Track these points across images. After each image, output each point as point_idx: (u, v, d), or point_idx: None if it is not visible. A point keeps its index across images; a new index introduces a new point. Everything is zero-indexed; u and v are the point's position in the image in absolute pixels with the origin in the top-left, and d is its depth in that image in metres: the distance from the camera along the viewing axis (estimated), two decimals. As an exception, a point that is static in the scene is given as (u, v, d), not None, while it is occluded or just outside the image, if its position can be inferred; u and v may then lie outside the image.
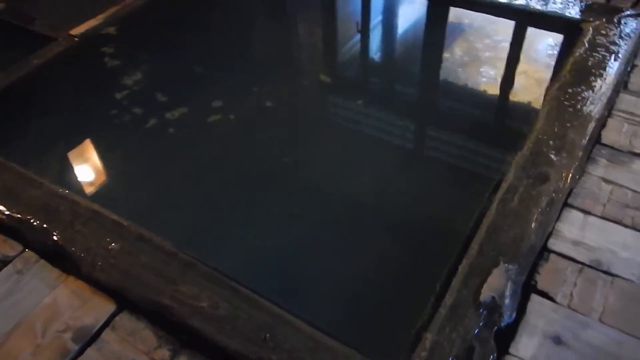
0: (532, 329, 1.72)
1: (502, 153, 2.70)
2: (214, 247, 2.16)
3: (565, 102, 2.47)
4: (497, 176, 2.23)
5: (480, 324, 1.70)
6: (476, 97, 3.22)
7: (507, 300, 1.75)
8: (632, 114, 2.49)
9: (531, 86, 3.22)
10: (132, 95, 2.81)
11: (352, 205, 2.43)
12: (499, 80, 3.25)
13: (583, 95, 2.51)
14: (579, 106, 2.45)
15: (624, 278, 1.86)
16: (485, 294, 1.76)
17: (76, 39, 3.19)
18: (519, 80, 3.25)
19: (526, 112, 3.06)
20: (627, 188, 2.17)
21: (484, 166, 2.76)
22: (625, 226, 2.03)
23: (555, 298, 1.80)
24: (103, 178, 2.43)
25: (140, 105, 2.74)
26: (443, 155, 2.83)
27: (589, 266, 1.90)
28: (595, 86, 2.55)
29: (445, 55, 3.43)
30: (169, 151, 2.57)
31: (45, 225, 2.01)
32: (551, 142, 2.28)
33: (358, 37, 3.70)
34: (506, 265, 1.84)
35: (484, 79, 3.23)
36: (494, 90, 3.21)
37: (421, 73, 3.50)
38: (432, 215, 2.41)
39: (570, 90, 2.54)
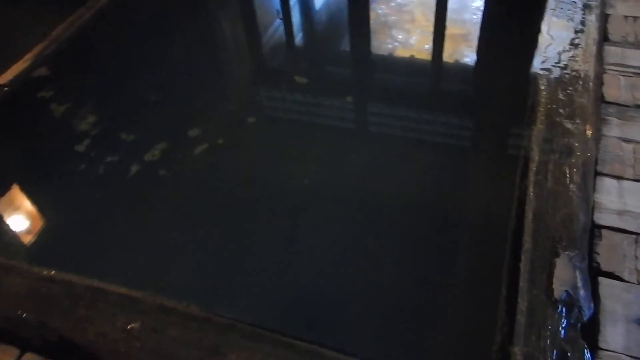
0: (612, 316, 1.61)
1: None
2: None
3: (559, 65, 2.38)
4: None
5: (563, 324, 1.57)
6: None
7: (581, 292, 1.63)
8: (622, 65, 2.44)
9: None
10: (95, 142, 2.45)
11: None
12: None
13: (573, 54, 2.43)
14: (574, 67, 2.36)
15: (679, 240, 1.79)
16: (558, 289, 1.63)
17: (5, 88, 2.79)
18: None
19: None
20: (648, 143, 2.10)
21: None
22: (660, 184, 1.97)
23: (623, 276, 1.70)
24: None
25: (110, 151, 2.39)
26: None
27: (642, 234, 1.81)
28: (581, 43, 2.48)
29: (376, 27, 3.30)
30: (163, 197, 2.23)
31: (42, 318, 1.70)
32: (561, 110, 2.18)
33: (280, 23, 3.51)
34: (567, 253, 1.72)
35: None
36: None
37: (351, 50, 3.34)
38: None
39: (558, 52, 2.45)
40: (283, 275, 2.01)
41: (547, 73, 2.35)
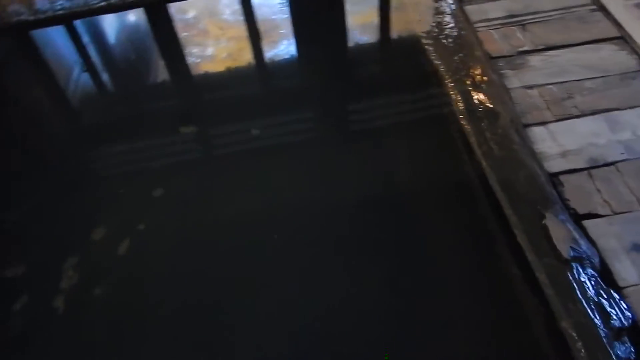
0: (613, 254, 1.67)
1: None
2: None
3: (440, 36, 2.43)
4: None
5: (585, 279, 1.59)
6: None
7: (582, 242, 1.67)
8: (487, 20, 2.55)
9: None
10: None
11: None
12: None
13: (446, 21, 2.49)
14: (453, 33, 2.42)
15: (620, 160, 1.92)
16: (564, 249, 1.65)
17: None
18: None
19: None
20: (546, 84, 2.23)
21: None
22: (577, 116, 2.09)
23: (599, 212, 1.78)
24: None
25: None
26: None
27: (590, 167, 1.91)
28: (448, 10, 2.55)
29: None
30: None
31: None
32: (465, 78, 2.22)
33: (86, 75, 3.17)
34: (549, 211, 1.75)
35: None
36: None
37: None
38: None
39: (434, 22, 2.49)
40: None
41: (434, 44, 2.37)
